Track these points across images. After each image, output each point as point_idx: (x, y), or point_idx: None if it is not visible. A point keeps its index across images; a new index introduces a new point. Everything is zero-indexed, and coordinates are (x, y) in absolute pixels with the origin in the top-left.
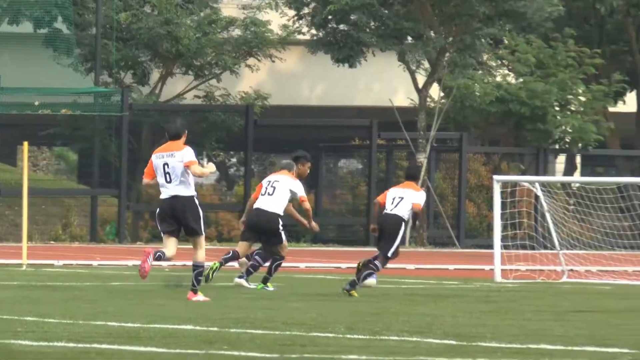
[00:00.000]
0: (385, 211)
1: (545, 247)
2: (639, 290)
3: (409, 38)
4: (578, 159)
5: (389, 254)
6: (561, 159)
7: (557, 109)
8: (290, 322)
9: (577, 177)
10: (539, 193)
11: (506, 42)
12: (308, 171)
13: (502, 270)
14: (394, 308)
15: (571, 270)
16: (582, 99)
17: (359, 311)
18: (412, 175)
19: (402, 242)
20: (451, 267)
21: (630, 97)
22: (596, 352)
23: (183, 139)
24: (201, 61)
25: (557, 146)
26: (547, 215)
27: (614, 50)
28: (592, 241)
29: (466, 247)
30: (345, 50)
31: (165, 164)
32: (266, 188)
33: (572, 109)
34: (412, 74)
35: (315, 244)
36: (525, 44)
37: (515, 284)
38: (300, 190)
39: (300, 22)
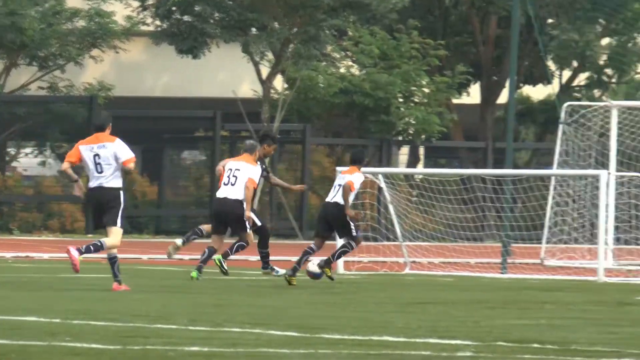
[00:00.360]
0: (326, 199)
1: (388, 239)
2: (481, 282)
3: (253, 29)
4: (421, 150)
5: (355, 236)
6: (404, 150)
7: (400, 100)
8: (133, 314)
9: (420, 169)
10: (382, 184)
11: (350, 33)
12: (272, 152)
13: (344, 261)
14: (237, 300)
15: (414, 262)
16: (426, 90)
17: (202, 303)
18: (355, 160)
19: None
20: (294, 258)
21: (474, 88)
22: (438, 343)
23: (108, 130)
24: (45, 52)
25: (400, 138)
26: (390, 207)
27: (457, 41)
28: (435, 233)
29: (309, 238)
30: (189, 41)
31: (96, 155)
32: (228, 177)
33: (416, 100)
34: (256, 65)
35: (158, 235)
36: (369, 36)
37: (357, 275)
38: (255, 178)
39: (145, 13)
